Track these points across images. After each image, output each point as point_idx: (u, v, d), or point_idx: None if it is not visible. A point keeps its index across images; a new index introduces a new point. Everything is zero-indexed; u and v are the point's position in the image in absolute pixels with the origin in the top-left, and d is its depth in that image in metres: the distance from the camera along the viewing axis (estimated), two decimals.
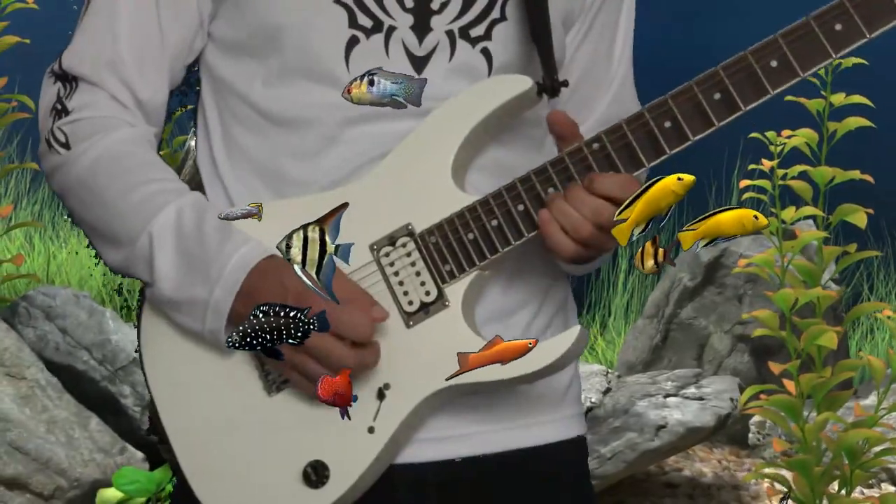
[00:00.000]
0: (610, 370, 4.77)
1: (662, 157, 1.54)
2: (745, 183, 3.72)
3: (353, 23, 1.58)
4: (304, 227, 1.17)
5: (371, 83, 1.24)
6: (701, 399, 4.33)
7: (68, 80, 1.64)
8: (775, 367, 3.35)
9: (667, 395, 4.44)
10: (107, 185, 1.60)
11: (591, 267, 1.67)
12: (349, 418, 1.28)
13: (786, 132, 3.54)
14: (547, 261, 1.63)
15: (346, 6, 1.58)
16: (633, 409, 4.34)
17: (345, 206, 1.19)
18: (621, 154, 1.53)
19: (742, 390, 4.56)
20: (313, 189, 1.58)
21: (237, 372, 1.59)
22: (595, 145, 1.54)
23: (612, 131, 1.54)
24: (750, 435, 4.99)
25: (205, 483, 1.59)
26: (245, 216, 1.28)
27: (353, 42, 1.58)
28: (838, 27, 1.50)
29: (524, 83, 1.58)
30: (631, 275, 6.62)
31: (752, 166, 3.67)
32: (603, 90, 1.73)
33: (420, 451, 1.59)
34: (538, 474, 1.66)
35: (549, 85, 1.60)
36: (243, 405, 1.58)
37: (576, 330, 1.54)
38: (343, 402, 1.25)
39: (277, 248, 1.16)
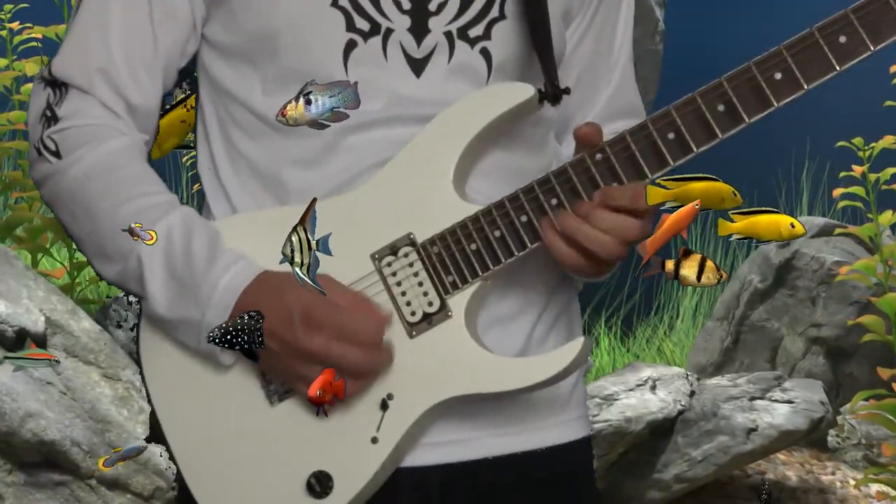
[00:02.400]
0: (689, 373, 4.76)
1: (666, 168, 1.52)
2: (838, 191, 3.71)
3: (350, 26, 1.56)
4: (294, 232, 1.19)
5: (308, 102, 1.23)
6: (790, 402, 4.32)
7: (58, 87, 1.61)
8: (884, 373, 3.33)
9: (752, 398, 4.44)
10: (97, 199, 1.58)
11: (604, 276, 1.64)
12: (325, 415, 1.29)
13: (888, 137, 3.53)
14: (550, 266, 1.61)
15: (343, 9, 1.56)
16: (719, 411, 4.34)
17: (314, 202, 1.21)
18: (625, 165, 1.51)
19: (826, 394, 4.56)
20: (314, 196, 1.52)
21: (238, 382, 1.57)
22: (598, 156, 1.52)
23: (616, 142, 1.52)
24: (829, 438, 4.98)
25: (208, 494, 1.58)
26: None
27: (350, 46, 1.56)
28: (843, 40, 1.48)
29: (526, 92, 1.56)
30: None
31: (843, 173, 3.66)
32: (604, 84, 1.72)
33: (424, 455, 1.58)
34: (542, 477, 1.64)
35: (551, 92, 1.58)
36: (245, 415, 1.57)
37: (580, 341, 1.52)
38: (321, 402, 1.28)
39: (283, 252, 1.18)
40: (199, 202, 1.71)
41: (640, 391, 4.39)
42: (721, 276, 1.38)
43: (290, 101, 1.24)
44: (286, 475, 1.54)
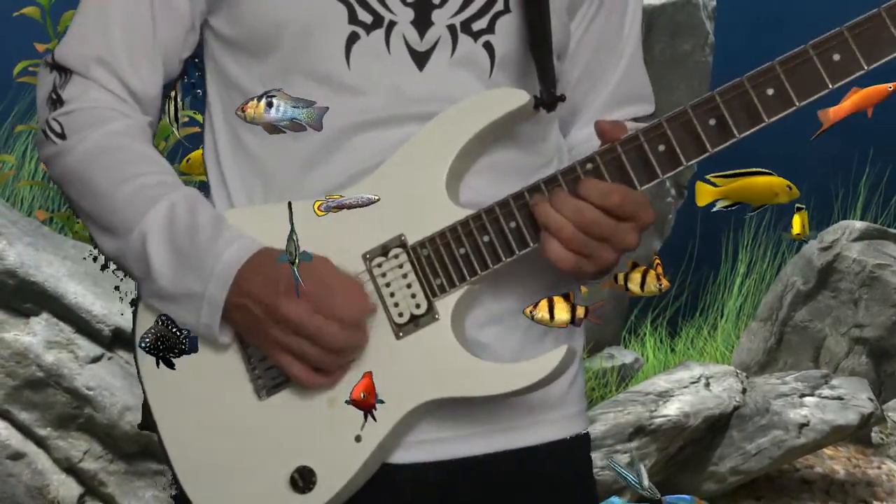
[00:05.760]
0: (739, 371, 4.90)
1: (655, 181, 1.50)
2: None
3: (353, 19, 1.55)
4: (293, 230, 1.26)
5: (269, 105, 1.23)
6: (840, 399, 4.47)
7: (62, 71, 1.63)
8: None
9: (802, 395, 4.57)
10: (100, 176, 1.60)
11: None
12: (374, 419, 1.37)
13: None
14: (547, 267, 1.59)
15: (346, 2, 1.55)
16: (771, 407, 4.48)
17: (289, 205, 1.25)
18: (614, 175, 1.50)
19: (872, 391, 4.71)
20: (311, 195, 1.54)
21: (229, 374, 1.58)
22: (588, 165, 1.51)
23: (606, 152, 1.51)
24: (873, 434, 5.11)
25: (195, 483, 1.60)
26: (364, 204, 1.33)
27: (353, 38, 1.56)
28: (836, 58, 1.45)
29: (521, 98, 1.55)
30: (748, 278, 6.73)
31: None
32: (612, 71, 1.72)
33: (421, 452, 1.58)
34: (539, 473, 1.64)
35: (547, 99, 1.57)
36: (234, 408, 1.58)
37: (562, 350, 1.53)
38: (366, 405, 1.34)
39: (287, 250, 1.25)
40: None
41: (694, 388, 4.52)
42: None
43: (251, 99, 1.24)
44: (271, 469, 1.56)
